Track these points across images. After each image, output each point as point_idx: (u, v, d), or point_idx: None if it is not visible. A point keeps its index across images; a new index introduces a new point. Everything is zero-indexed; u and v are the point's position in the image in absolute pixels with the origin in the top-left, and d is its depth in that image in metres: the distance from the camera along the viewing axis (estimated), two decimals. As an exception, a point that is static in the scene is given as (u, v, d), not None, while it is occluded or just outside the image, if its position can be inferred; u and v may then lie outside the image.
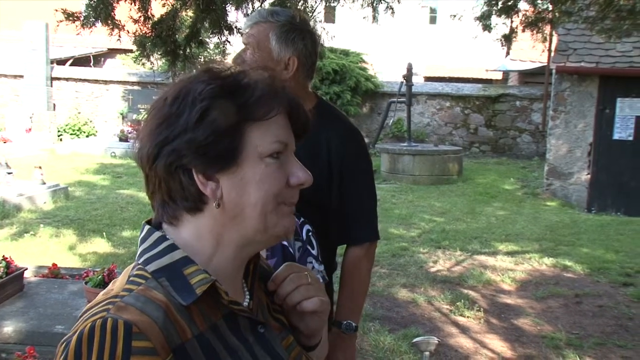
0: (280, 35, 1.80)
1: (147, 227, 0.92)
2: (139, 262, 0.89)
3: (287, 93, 0.92)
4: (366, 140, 15.18)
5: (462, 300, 5.23)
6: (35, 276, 4.43)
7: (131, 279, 0.86)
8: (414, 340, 2.99)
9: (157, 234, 0.89)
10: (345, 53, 15.83)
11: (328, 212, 1.88)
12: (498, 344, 4.48)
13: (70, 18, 3.61)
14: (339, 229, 1.93)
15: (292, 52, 1.81)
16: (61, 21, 3.64)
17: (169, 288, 0.84)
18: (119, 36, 3.75)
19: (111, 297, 0.82)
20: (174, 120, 0.86)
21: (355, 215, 1.94)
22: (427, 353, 2.89)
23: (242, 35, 1.86)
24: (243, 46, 1.85)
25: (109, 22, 3.64)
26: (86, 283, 3.70)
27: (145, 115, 0.91)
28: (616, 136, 10.11)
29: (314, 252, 1.63)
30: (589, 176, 10.35)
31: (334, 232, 1.92)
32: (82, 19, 3.62)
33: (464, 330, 4.71)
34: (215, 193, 0.87)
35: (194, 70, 0.93)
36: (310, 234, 1.64)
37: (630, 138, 10.04)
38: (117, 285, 0.87)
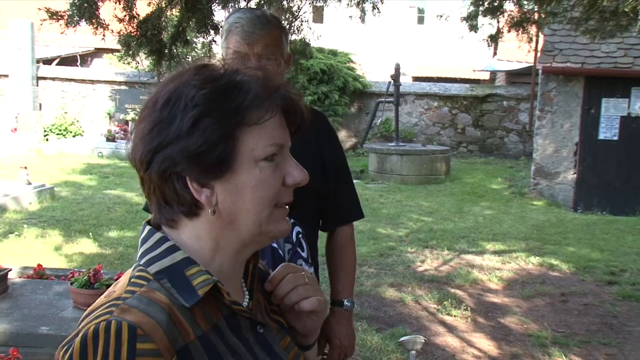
0: (287, 35, 1.90)
1: (147, 227, 0.91)
2: (141, 263, 0.88)
3: (282, 92, 0.89)
4: (354, 140, 15.22)
5: (449, 300, 5.25)
6: (20, 277, 4.38)
7: (133, 280, 0.85)
8: (401, 339, 2.99)
9: (158, 235, 0.89)
10: (334, 53, 15.84)
11: (323, 197, 2.01)
12: (485, 342, 4.50)
13: (54, 17, 3.58)
14: (333, 211, 2.06)
15: (289, 48, 1.93)
16: (45, 20, 3.61)
17: (171, 289, 0.83)
18: (104, 35, 3.72)
19: (114, 299, 0.82)
20: (165, 125, 0.84)
21: (346, 197, 2.10)
22: (413, 352, 2.89)
23: (244, 44, 1.79)
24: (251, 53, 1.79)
25: (94, 21, 3.61)
26: (72, 284, 3.67)
27: (137, 116, 0.90)
28: (601, 136, 10.19)
29: (304, 254, 1.63)
30: (575, 176, 10.43)
31: (328, 216, 2.07)
32: (66, 17, 3.59)
33: (450, 329, 4.73)
34: (210, 200, 0.85)
35: (186, 66, 0.90)
36: (300, 236, 1.64)
37: (615, 138, 10.13)
38: (118, 287, 0.86)
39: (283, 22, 1.99)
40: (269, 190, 0.87)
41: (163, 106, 0.85)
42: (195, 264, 0.86)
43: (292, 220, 1.64)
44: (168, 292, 0.83)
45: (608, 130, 10.15)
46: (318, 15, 21.71)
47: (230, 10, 4.14)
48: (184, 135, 0.82)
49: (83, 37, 14.35)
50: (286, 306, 1.00)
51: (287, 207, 0.93)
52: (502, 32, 6.04)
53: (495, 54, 17.73)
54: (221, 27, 4.18)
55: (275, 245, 1.53)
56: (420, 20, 27.26)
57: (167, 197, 0.87)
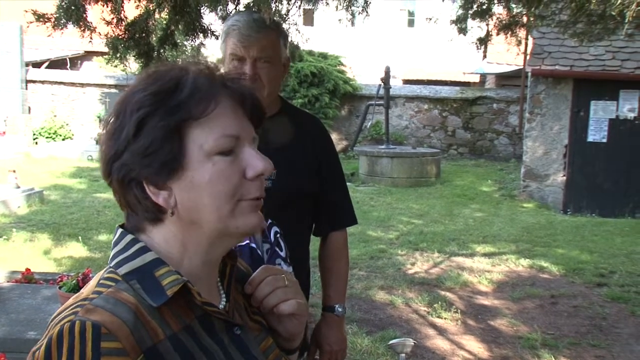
0: (285, 39, 1.91)
1: (119, 230, 0.91)
2: (111, 265, 0.88)
3: (226, 83, 0.89)
4: (345, 142, 15.22)
5: (440, 302, 5.26)
6: (8, 281, 4.35)
7: (101, 281, 0.85)
8: (390, 342, 2.99)
9: (129, 237, 0.89)
10: (324, 56, 15.85)
11: (318, 202, 2.04)
12: (475, 345, 4.51)
13: (41, 19, 3.56)
14: (327, 217, 2.08)
15: (287, 52, 1.94)
16: (31, 22, 3.60)
17: (140, 290, 0.83)
18: (91, 38, 3.70)
19: (80, 300, 0.82)
20: (118, 134, 0.85)
21: (340, 203, 2.10)
22: (403, 355, 2.89)
23: (240, 47, 1.80)
24: (246, 58, 1.81)
25: (81, 24, 3.59)
26: (60, 288, 3.64)
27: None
28: (590, 138, 10.26)
29: (282, 254, 1.63)
30: (564, 178, 10.48)
31: (322, 221, 2.08)
32: (53, 20, 3.57)
33: (441, 331, 4.73)
34: (168, 202, 0.85)
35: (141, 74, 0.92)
36: (278, 235, 1.64)
37: (604, 140, 10.19)
38: (87, 288, 0.86)
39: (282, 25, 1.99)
40: (226, 183, 0.86)
41: (117, 115, 0.86)
42: (164, 265, 0.86)
43: (270, 221, 1.63)
44: (136, 293, 0.83)
45: (597, 133, 10.21)
46: (308, 18, 21.74)
47: (219, 13, 4.13)
48: (132, 139, 0.83)
49: (72, 40, 14.26)
50: (265, 309, 0.99)
51: (258, 200, 0.90)
52: (491, 35, 6.06)
53: (484, 56, 17.80)
54: (210, 30, 4.17)
55: (253, 245, 1.53)
56: (411, 23, 27.32)
57: (132, 205, 0.88)
